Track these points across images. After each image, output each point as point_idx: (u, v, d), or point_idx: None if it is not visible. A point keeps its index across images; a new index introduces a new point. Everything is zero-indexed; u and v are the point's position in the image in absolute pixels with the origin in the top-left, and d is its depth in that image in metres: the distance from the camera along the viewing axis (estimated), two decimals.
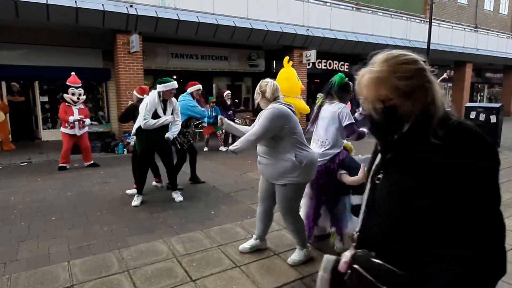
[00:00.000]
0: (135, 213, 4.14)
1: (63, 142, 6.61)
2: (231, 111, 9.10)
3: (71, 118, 6.38)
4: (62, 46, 9.69)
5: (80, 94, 6.55)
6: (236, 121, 9.77)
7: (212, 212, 4.18)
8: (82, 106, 6.66)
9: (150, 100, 4.27)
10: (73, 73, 6.70)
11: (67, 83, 6.54)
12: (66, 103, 6.49)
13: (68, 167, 6.69)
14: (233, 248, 3.19)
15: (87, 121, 6.69)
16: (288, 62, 7.79)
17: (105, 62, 10.44)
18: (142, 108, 4.30)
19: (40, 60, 9.48)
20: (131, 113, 4.94)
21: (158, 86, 4.32)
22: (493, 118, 7.93)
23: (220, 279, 2.68)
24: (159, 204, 4.42)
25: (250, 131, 2.67)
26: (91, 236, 3.51)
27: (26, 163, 7.23)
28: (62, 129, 6.58)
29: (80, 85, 6.60)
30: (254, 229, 3.57)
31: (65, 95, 6.53)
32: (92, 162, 6.87)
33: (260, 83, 2.77)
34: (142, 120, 4.23)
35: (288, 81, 7.70)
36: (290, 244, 3.22)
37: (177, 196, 4.62)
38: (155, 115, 4.30)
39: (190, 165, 5.40)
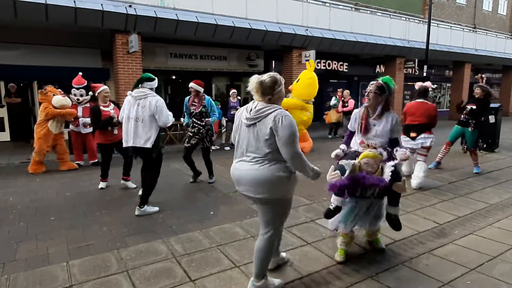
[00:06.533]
0: (134, 213, 4.12)
1: (71, 140, 6.97)
2: (235, 110, 9.10)
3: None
4: (61, 46, 9.67)
5: (81, 95, 6.81)
6: None
7: (211, 212, 4.18)
8: (87, 105, 6.84)
9: (162, 99, 4.10)
10: (80, 73, 6.95)
11: (72, 83, 6.81)
12: (74, 103, 6.80)
13: (82, 164, 6.94)
14: (232, 248, 3.19)
15: (82, 120, 6.72)
16: (311, 66, 7.78)
17: (104, 62, 10.43)
18: (162, 108, 3.97)
19: (39, 60, 9.45)
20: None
21: (151, 83, 4.09)
22: (491, 118, 7.93)
23: (219, 279, 2.68)
24: (159, 204, 4.40)
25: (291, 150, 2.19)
26: (90, 236, 3.51)
27: (25, 163, 7.20)
28: (70, 126, 6.90)
29: (82, 86, 6.82)
30: (253, 228, 3.58)
31: (70, 96, 6.81)
32: (96, 160, 6.95)
33: (278, 77, 2.30)
34: (170, 119, 4.09)
35: (310, 87, 7.73)
36: (289, 244, 3.23)
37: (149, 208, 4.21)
38: None
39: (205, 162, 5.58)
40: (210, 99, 5.41)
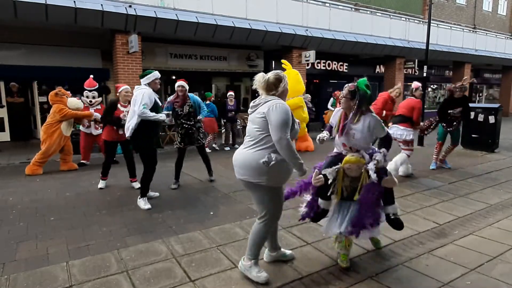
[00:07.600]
0: (134, 214, 4.13)
1: (80, 140, 7.16)
2: (232, 113, 9.10)
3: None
4: (61, 46, 9.67)
5: (93, 97, 6.99)
6: (237, 121, 9.81)
7: (211, 213, 4.18)
8: (99, 107, 7.06)
9: (146, 91, 4.17)
10: (91, 76, 7.15)
11: (84, 86, 7.04)
12: (86, 105, 6.96)
13: (87, 163, 7.08)
14: (232, 248, 3.19)
15: (96, 114, 6.73)
16: (287, 65, 8.17)
17: (104, 62, 10.43)
18: (137, 99, 4.11)
19: (39, 60, 9.46)
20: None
21: (142, 80, 4.29)
22: (491, 119, 7.94)
23: (219, 279, 2.68)
24: (158, 204, 4.41)
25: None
26: (90, 236, 3.51)
27: (24, 163, 7.20)
28: (80, 127, 7.06)
29: (94, 88, 7.02)
30: None
31: (82, 98, 6.99)
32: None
33: (281, 75, 2.54)
34: (140, 108, 4.04)
35: (300, 81, 8.34)
36: (289, 244, 3.23)
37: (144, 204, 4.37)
38: (156, 108, 4.25)
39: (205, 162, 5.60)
40: (195, 96, 5.27)
